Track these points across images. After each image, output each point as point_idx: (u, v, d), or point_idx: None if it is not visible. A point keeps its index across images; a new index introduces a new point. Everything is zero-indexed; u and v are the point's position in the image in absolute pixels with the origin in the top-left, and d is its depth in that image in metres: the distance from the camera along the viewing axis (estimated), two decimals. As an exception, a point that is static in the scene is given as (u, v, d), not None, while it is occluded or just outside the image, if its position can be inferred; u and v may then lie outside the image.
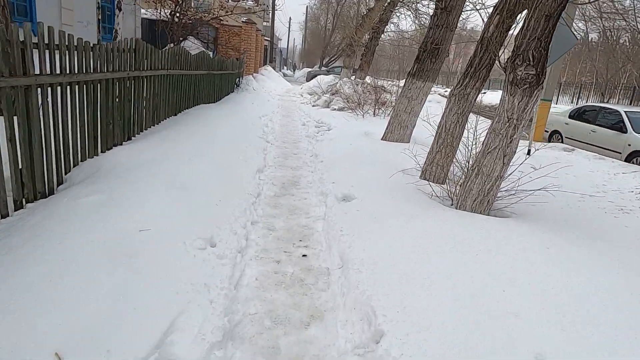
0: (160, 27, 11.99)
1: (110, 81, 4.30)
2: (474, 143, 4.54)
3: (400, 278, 2.56)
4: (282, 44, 55.20)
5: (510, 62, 3.78)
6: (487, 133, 4.06)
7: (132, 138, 5.07)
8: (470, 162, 4.49)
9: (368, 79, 14.04)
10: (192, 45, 12.46)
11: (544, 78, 3.73)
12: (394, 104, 10.47)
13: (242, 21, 17.81)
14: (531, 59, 3.65)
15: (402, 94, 7.52)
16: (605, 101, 20.35)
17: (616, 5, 17.93)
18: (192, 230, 2.96)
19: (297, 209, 4.17)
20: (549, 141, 10.51)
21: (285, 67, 50.84)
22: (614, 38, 20.42)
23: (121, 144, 4.71)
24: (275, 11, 30.45)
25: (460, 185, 4.31)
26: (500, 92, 28.44)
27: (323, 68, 31.19)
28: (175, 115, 6.79)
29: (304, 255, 3.16)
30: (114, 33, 7.66)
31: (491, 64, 4.97)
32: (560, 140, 10.18)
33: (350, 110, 10.50)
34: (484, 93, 33.61)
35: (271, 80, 20.41)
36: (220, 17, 14.95)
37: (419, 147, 6.94)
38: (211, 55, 9.47)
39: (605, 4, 18.61)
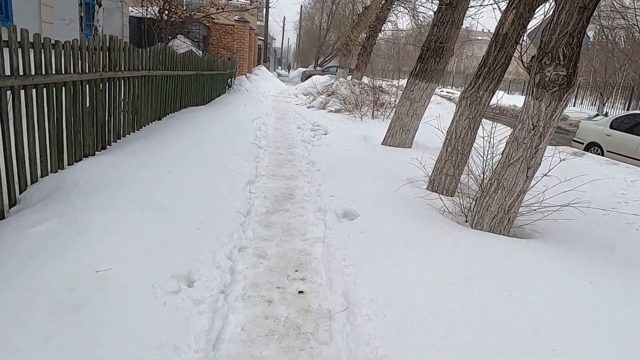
0: (146, 25, 11.42)
1: (78, 84, 3.75)
2: (490, 152, 4.05)
3: (419, 328, 2.06)
4: (276, 43, 54.62)
5: (536, 61, 3.28)
6: (507, 142, 3.57)
7: (108, 147, 4.53)
8: (487, 174, 4.00)
9: (365, 79, 13.54)
10: (182, 44, 11.89)
11: (576, 79, 3.24)
12: (393, 105, 9.98)
13: (235, 20, 17.25)
14: (561, 57, 3.15)
15: (403, 96, 7.03)
16: (604, 102, 19.96)
17: (615, 3, 17.58)
18: (165, 265, 2.43)
19: (292, 229, 3.65)
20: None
21: (279, 67, 50.25)
22: (612, 37, 20.07)
23: (93, 155, 4.17)
24: (270, 8, 29.89)
25: (476, 200, 3.81)
26: (500, 93, 28.19)
27: (318, 68, 30.67)
28: (160, 119, 6.25)
29: (300, 292, 2.64)
30: (94, 30, 7.09)
31: (507, 64, 4.48)
32: (600, 154, 8.81)
33: (348, 112, 10.00)
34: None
35: (265, 81, 19.85)
36: (212, 15, 14.40)
37: (422, 152, 6.46)
38: (200, 55, 8.92)
39: (604, 3, 18.27)
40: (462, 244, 3.04)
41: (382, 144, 7.27)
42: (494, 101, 4.83)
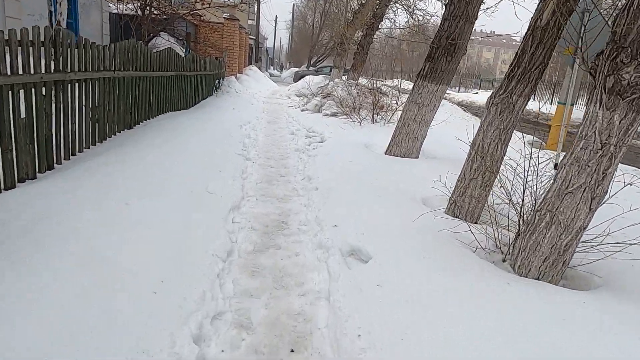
0: (126, 22, 10.49)
1: (7, 88, 2.87)
2: (534, 172, 3.24)
3: None
4: (268, 43, 53.63)
5: (607, 60, 2.47)
6: (562, 163, 2.77)
7: (57, 165, 3.64)
8: (530, 200, 3.19)
9: (362, 80, 12.72)
10: (165, 43, 10.97)
11: (664, 83, 2.44)
12: (394, 109, 9.17)
13: (224, 17, 16.35)
14: (646, 54, 2.35)
15: (410, 100, 6.21)
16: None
17: None
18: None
19: (286, 276, 2.80)
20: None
21: (271, 67, 49.31)
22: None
23: (34, 177, 3.28)
24: (262, 6, 28.95)
25: (518, 236, 3.00)
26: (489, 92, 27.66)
27: (311, 68, 29.82)
28: (131, 128, 5.36)
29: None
30: (56, 25, 6.16)
31: (546, 63, 3.67)
32: None
33: (345, 116, 9.17)
34: (476, 93, 32.62)
35: (256, 81, 18.95)
36: (199, 13, 13.49)
37: (434, 163, 5.63)
38: (183, 54, 8.02)
39: None
40: (520, 305, 2.23)
41: (386, 153, 6.46)
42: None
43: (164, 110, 6.61)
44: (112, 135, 4.80)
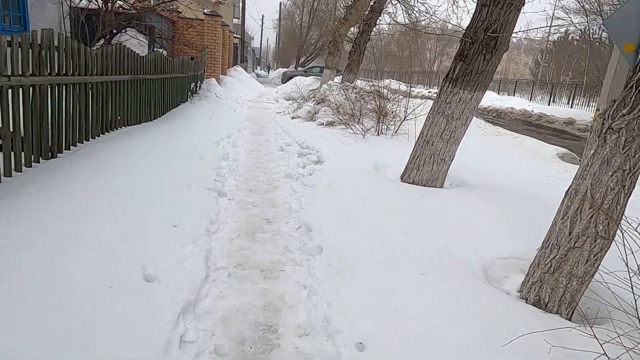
0: (85, 15, 8.81)
1: None
2: None
3: None
4: (255, 43, 51.82)
5: None
6: None
7: None
8: None
9: (359, 82, 11.22)
10: (132, 41, 9.30)
11: None
12: (402, 117, 7.69)
13: (205, 13, 14.68)
14: None
15: (436, 111, 4.73)
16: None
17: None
18: None
19: None
20: None
21: (258, 67, 47.56)
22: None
23: None
24: (246, 6, 27.24)
25: None
26: (492, 94, 26.05)
27: (300, 68, 28.23)
28: (54, 156, 3.76)
29: None
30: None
31: None
32: None
33: (344, 126, 7.66)
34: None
35: (241, 83, 17.32)
36: (175, 7, 11.84)
37: (467, 195, 4.15)
38: (146, 53, 6.42)
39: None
40: None
41: (402, 179, 4.99)
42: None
43: (113, 126, 5.00)
44: (18, 172, 3.20)
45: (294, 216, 3.80)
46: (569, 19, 19.49)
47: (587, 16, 18.31)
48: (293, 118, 9.16)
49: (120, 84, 5.10)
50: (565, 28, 28.27)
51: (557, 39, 35.02)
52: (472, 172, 5.41)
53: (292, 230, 3.52)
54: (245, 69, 25.97)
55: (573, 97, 22.05)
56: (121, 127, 5.34)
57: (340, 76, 18.04)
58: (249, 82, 19.14)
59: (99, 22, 8.59)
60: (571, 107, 22.40)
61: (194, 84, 9.36)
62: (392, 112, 8.33)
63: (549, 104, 23.84)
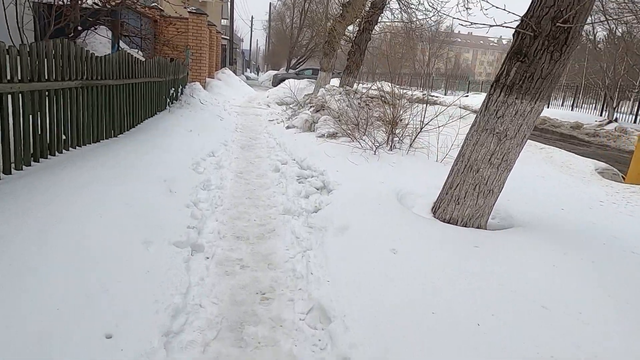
0: (47, 11, 7.47)
1: None
2: None
3: None
4: (244, 45, 50.40)
5: None
6: None
7: None
8: None
9: (361, 87, 10.03)
10: (104, 40, 7.99)
11: None
12: (418, 128, 6.51)
13: (190, 11, 13.39)
14: None
15: (482, 127, 3.56)
16: (614, 106, 17.20)
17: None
18: None
19: None
20: None
21: (248, 70, 46.21)
22: (626, 33, 17.42)
23: None
24: (235, 6, 25.88)
25: None
26: (482, 95, 25.28)
27: (291, 70, 26.98)
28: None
29: None
30: None
31: None
32: None
33: (349, 138, 6.45)
34: (466, 96, 30.51)
35: (230, 87, 16.03)
36: (147, 3, 10.57)
37: (540, 245, 2.97)
38: (109, 52, 5.15)
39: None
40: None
41: (435, 214, 3.84)
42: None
43: (50, 151, 3.72)
44: None
45: (300, 287, 2.57)
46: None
47: (591, 16, 17.42)
48: (288, 128, 7.93)
49: (65, 92, 3.82)
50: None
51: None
52: (514, 198, 4.26)
53: (299, 316, 2.30)
54: (235, 72, 24.66)
55: (574, 99, 21.20)
56: (69, 149, 4.05)
57: (337, 79, 16.87)
58: (238, 86, 17.85)
59: (55, 17, 7.27)
60: (572, 110, 21.55)
61: (173, 89, 8.08)
62: (402, 121, 7.15)
63: (547, 106, 22.99)
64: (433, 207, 3.99)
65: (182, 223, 3.11)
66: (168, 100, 7.71)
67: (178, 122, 6.76)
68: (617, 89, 16.66)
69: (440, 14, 9.78)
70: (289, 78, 19.00)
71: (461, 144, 3.83)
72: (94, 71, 4.37)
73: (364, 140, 6.04)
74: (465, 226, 3.69)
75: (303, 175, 4.95)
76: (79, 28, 7.76)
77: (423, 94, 9.77)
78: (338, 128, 7.00)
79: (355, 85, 10.85)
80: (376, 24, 10.33)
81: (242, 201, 4.12)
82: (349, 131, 6.80)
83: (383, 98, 8.95)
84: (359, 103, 8.03)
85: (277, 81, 22.38)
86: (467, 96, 29.99)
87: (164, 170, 4.08)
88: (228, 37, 25.30)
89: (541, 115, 18.98)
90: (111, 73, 4.85)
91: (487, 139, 3.50)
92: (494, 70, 50.09)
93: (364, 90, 8.99)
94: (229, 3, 25.15)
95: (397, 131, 6.71)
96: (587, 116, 18.17)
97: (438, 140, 5.64)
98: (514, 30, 3.53)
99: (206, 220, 3.39)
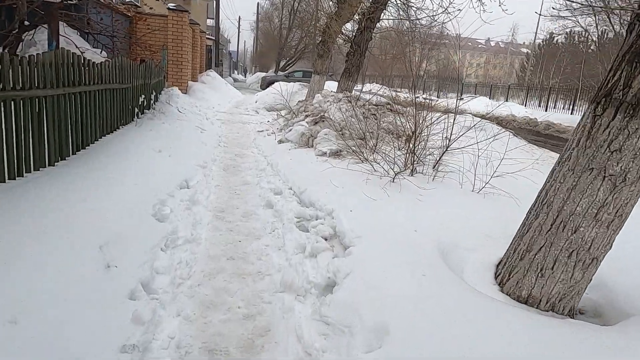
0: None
1: None
2: None
3: None
4: (232, 46, 48.80)
5: None
6: None
7: None
8: None
9: (367, 94, 8.78)
10: (62, 39, 6.57)
11: None
12: (440, 144, 5.27)
13: (169, 8, 12.00)
14: None
15: (584, 165, 2.29)
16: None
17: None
18: None
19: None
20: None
21: (235, 72, 44.68)
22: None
23: None
24: (221, 6, 24.42)
25: None
26: (475, 97, 24.18)
27: (280, 73, 25.63)
28: None
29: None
30: None
31: None
32: None
33: (356, 158, 5.19)
34: (461, 99, 29.44)
35: (215, 91, 14.64)
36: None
37: None
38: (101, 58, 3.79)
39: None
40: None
41: (503, 287, 2.60)
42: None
43: None
44: None
45: None
46: (574, 19, 17.70)
47: (595, 16, 16.51)
48: (281, 142, 6.64)
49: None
50: (557, 30, 26.75)
51: (542, 41, 33.69)
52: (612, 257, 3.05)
53: None
54: (221, 74, 23.23)
55: (573, 102, 20.31)
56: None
57: (330, 81, 15.60)
58: (224, 90, 16.46)
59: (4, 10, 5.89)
60: (571, 114, 20.66)
61: (144, 96, 6.71)
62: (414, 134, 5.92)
63: (546, 110, 22.11)
64: (497, 274, 2.77)
65: (113, 342, 1.80)
66: (137, 110, 6.35)
67: (145, 138, 5.41)
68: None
69: (448, 11, 8.57)
70: (279, 80, 17.68)
71: (543, 187, 2.61)
72: (7, 79, 3.03)
73: (377, 162, 4.78)
74: (552, 309, 2.48)
75: (305, 216, 3.67)
76: (26, 23, 6.34)
77: (424, 98, 8.60)
78: (342, 144, 5.73)
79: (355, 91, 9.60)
80: (378, 21, 9.10)
81: (221, 265, 2.83)
82: (355, 147, 5.55)
83: (389, 105, 7.73)
84: (363, 112, 6.79)
85: (265, 84, 21.03)
86: (461, 99, 28.96)
87: (106, 224, 2.76)
88: (214, 38, 23.84)
89: (544, 119, 17.83)
90: (43, 80, 3.50)
91: (593, 184, 2.27)
92: (483, 72, 49.35)
93: (368, 97, 7.76)
94: (214, 2, 23.70)
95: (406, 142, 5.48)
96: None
97: (476, 164, 4.42)
98: (631, 18, 2.33)
99: (160, 323, 2.09)
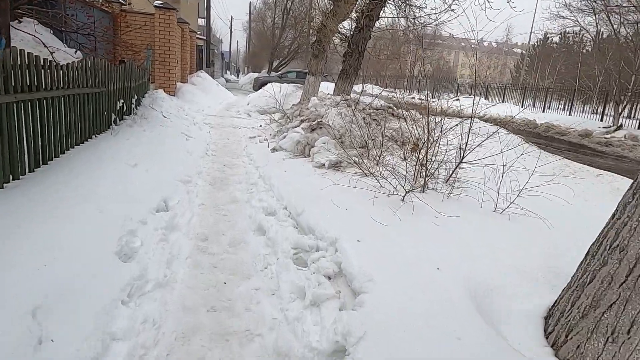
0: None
1: None
2: None
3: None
4: (224, 46, 47.99)
5: None
6: None
7: None
8: None
9: (367, 97, 8.20)
10: (25, 37, 5.91)
11: None
12: (455, 159, 4.69)
13: (155, 5, 11.33)
14: None
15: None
16: (620, 111, 15.85)
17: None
18: None
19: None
20: None
21: (228, 72, 43.92)
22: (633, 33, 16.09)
23: None
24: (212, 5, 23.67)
25: None
26: (470, 98, 23.69)
27: (273, 73, 24.99)
28: None
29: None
30: None
31: None
32: None
33: (359, 170, 4.60)
34: (457, 99, 29.21)
35: (205, 92, 13.97)
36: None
37: None
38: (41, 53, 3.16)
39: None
40: None
41: (555, 348, 1.98)
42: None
43: None
44: None
45: None
46: (574, 18, 17.26)
47: (595, 14, 16.10)
48: (274, 150, 6.03)
49: None
50: (549, 31, 26.46)
51: (537, 42, 33.38)
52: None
53: None
54: (212, 75, 22.54)
55: (572, 103, 19.93)
56: None
57: (326, 82, 15.00)
58: (215, 91, 15.79)
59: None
60: (569, 115, 20.27)
61: (123, 101, 6.06)
62: (424, 143, 5.34)
63: (543, 111, 21.73)
64: (547, 331, 2.20)
65: None
66: (114, 117, 5.70)
67: (120, 150, 4.77)
68: (630, 93, 15.20)
69: (451, 9, 8.02)
70: (272, 81, 17.05)
71: (609, 224, 2.04)
72: None
73: (383, 176, 4.19)
74: (627, 385, 1.90)
75: (303, 247, 3.07)
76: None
77: (420, 99, 8.02)
78: (342, 154, 5.14)
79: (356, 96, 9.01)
80: (377, 19, 8.52)
81: (199, 321, 2.22)
82: (357, 157, 4.95)
83: (391, 109, 7.16)
84: (364, 118, 6.21)
85: (258, 84, 20.39)
86: (457, 99, 28.66)
87: (49, 274, 2.14)
88: (205, 37, 23.12)
89: (544, 121, 17.33)
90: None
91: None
92: (478, 72, 48.94)
93: (368, 99, 7.18)
94: (205, 1, 22.98)
95: (415, 153, 4.91)
96: (589, 121, 16.81)
97: (501, 183, 3.84)
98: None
99: None
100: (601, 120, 17.20)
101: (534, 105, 22.85)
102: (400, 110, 7.52)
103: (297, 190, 4.18)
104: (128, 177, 3.95)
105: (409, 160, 5.22)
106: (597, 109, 19.02)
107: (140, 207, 3.34)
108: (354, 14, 8.70)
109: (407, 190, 3.80)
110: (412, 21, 9.98)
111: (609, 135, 14.35)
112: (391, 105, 7.39)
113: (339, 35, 9.16)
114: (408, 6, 9.92)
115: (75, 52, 6.67)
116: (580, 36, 26.50)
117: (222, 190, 4.63)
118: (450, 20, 8.68)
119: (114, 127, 5.62)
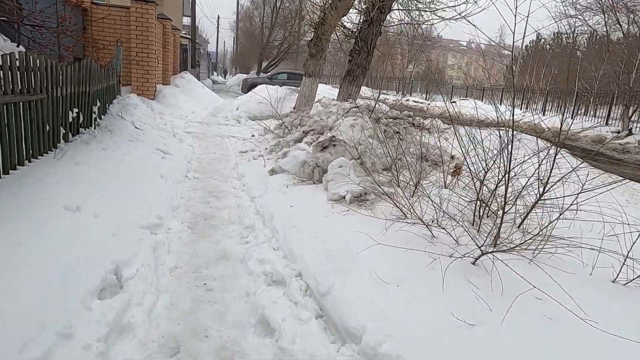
0: None
1: None
2: None
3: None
4: (211, 47, 46.24)
5: None
6: None
7: None
8: None
9: (383, 103, 6.89)
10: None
11: None
12: (538, 197, 3.41)
13: (131, -1, 9.84)
14: None
15: None
16: (630, 115, 14.87)
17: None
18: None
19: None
20: None
21: (215, 73, 42.24)
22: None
23: None
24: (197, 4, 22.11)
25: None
26: (467, 100, 22.69)
27: (262, 74, 23.57)
28: None
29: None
30: None
31: None
32: None
33: (395, 210, 3.32)
34: (454, 102, 28.13)
35: (189, 95, 12.50)
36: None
37: None
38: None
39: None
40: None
41: None
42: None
43: None
44: None
45: None
46: (581, 18, 16.37)
47: (604, 13, 15.17)
48: (273, 172, 4.69)
49: None
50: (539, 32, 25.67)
51: (530, 44, 32.67)
52: None
53: None
54: (198, 76, 21.01)
55: (574, 107, 19.03)
56: None
57: (324, 85, 13.67)
58: (201, 93, 14.32)
59: None
60: (572, 118, 19.35)
61: (77, 109, 4.64)
62: (460, 168, 4.09)
63: (543, 114, 20.81)
64: None
65: None
66: (63, 132, 4.27)
67: (60, 182, 3.36)
68: (632, 96, 14.28)
69: (455, 9, 6.79)
70: (261, 83, 15.66)
71: None
72: None
73: (440, 225, 2.89)
74: None
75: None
76: None
77: (414, 102, 6.73)
78: (366, 181, 3.82)
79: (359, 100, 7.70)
80: (389, 12, 7.25)
81: None
82: (389, 187, 3.65)
83: (411, 118, 5.89)
84: (385, 130, 4.91)
85: (247, 87, 18.95)
86: (454, 102, 27.60)
87: None
88: (190, 36, 21.55)
89: (550, 126, 16.30)
90: None
91: None
92: (468, 74, 48.31)
93: (384, 107, 5.88)
94: (190, -2, 21.42)
95: (453, 177, 3.65)
96: (592, 125, 15.85)
97: (618, 234, 2.57)
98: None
99: None
100: (606, 124, 16.28)
101: (526, 108, 22.02)
102: (418, 118, 6.26)
103: (315, 245, 2.85)
104: (61, 232, 2.57)
105: (450, 186, 3.95)
106: (595, 112, 18.18)
107: (69, 296, 1.98)
108: (363, 5, 7.41)
109: (483, 252, 2.51)
110: (421, 16, 8.75)
111: (623, 142, 13.37)
112: (410, 113, 6.11)
113: (345, 31, 7.85)
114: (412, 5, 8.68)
115: (18, 45, 5.22)
116: (574, 37, 25.78)
117: (206, 237, 3.27)
118: (469, 15, 7.44)
119: (62, 146, 4.19)
